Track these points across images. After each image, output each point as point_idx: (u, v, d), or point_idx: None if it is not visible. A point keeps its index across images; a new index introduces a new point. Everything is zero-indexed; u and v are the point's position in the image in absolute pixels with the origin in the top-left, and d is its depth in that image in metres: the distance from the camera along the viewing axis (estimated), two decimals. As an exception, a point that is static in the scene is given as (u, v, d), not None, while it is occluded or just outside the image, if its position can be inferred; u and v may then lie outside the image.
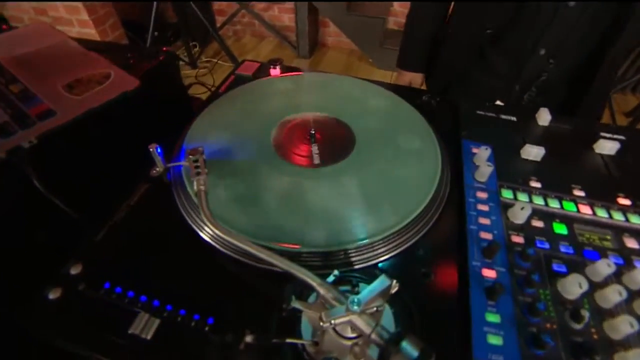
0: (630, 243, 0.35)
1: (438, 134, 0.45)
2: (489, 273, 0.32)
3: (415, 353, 0.22)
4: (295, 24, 2.51)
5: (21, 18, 2.19)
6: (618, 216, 0.38)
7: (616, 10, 0.55)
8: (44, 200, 0.34)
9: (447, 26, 0.73)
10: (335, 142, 0.42)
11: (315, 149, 0.41)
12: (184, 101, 0.59)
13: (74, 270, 0.31)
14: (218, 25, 2.72)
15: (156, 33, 2.55)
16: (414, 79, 0.80)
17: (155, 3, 2.18)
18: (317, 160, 0.40)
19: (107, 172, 0.39)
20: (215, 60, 2.49)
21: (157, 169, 0.40)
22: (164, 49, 0.52)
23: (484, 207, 0.37)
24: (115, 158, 0.41)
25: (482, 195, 0.38)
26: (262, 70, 0.56)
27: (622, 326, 0.28)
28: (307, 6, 2.39)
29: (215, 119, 0.45)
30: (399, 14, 2.56)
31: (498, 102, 0.69)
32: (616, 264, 0.33)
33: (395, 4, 2.51)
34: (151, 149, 0.38)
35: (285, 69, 0.55)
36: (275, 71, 0.54)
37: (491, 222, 0.36)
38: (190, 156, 0.35)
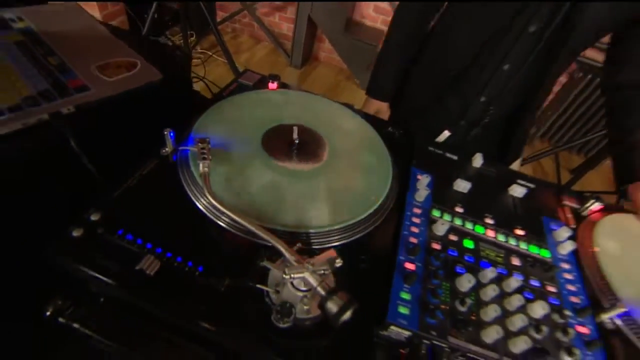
0: (515, 261, 0.48)
1: (393, 158, 0.56)
2: (409, 266, 0.43)
3: (342, 302, 0.32)
4: (293, 34, 2.63)
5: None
6: (512, 242, 0.51)
7: (538, 75, 0.70)
8: (73, 160, 0.42)
9: (415, 63, 0.86)
10: (312, 149, 0.53)
11: (295, 152, 0.52)
12: (189, 94, 0.68)
13: (94, 217, 0.40)
14: (218, 19, 2.78)
15: (156, 15, 2.58)
16: (381, 107, 0.92)
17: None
18: (296, 162, 0.51)
19: (124, 147, 0.47)
20: (210, 54, 2.55)
21: (167, 149, 0.49)
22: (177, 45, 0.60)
23: (416, 220, 0.49)
24: (131, 136, 0.49)
25: (417, 211, 0.50)
26: (262, 82, 0.66)
27: (490, 312, 0.40)
28: (307, 19, 2.52)
29: (219, 117, 0.55)
30: (389, 44, 2.73)
31: (446, 132, 0.83)
32: (500, 273, 0.45)
33: (388, 34, 2.69)
34: (165, 132, 0.47)
35: (281, 85, 0.66)
36: (272, 85, 0.64)
37: (419, 231, 0.47)
38: (200, 143, 0.45)
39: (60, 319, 0.41)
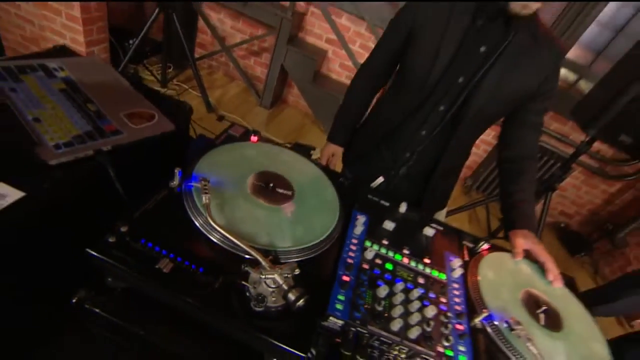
0: (420, 280, 0.68)
1: (341, 202, 0.77)
2: (345, 278, 0.62)
3: (298, 293, 0.50)
4: (266, 78, 2.88)
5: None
6: (420, 267, 0.72)
7: (447, 141, 0.97)
8: (110, 187, 0.57)
9: (366, 118, 1.13)
10: (282, 191, 0.72)
11: (270, 192, 0.70)
12: (187, 138, 0.85)
13: (123, 229, 0.55)
14: (197, 56, 2.97)
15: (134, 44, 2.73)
16: (337, 150, 1.17)
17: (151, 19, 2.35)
18: (270, 200, 0.69)
19: (143, 178, 0.63)
20: (186, 87, 2.72)
21: (175, 183, 0.65)
22: (187, 104, 0.78)
23: (353, 247, 0.68)
24: (148, 169, 0.65)
25: (355, 241, 0.70)
26: (246, 134, 0.85)
27: (397, 311, 0.59)
28: (280, 67, 2.79)
29: (215, 161, 0.72)
30: (351, 97, 3.07)
31: (380, 178, 1.06)
32: (408, 287, 0.65)
33: (351, 88, 3.04)
34: (176, 170, 0.64)
35: (263, 139, 0.85)
36: (254, 138, 0.83)
37: (354, 255, 0.67)
38: (202, 181, 0.62)
39: (86, 305, 0.54)
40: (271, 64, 2.80)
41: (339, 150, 1.19)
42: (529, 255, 0.85)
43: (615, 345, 0.76)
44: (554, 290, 0.80)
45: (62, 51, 0.82)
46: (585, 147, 2.24)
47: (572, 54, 2.80)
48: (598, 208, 3.39)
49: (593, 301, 1.80)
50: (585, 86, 2.91)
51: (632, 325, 2.48)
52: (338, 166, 1.22)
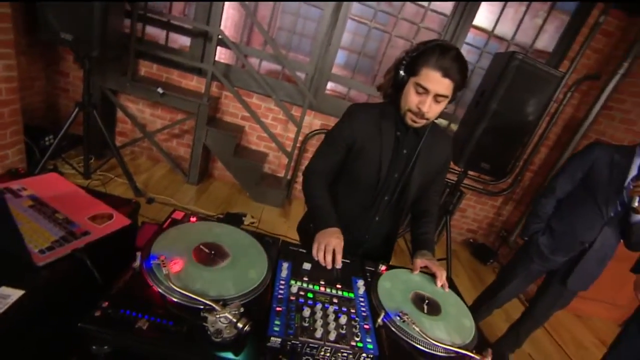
0: (334, 300, 0.94)
1: (268, 255, 1.01)
2: (278, 308, 0.85)
3: (244, 321, 0.73)
4: (190, 157, 3.09)
5: None
6: (334, 291, 0.97)
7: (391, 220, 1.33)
8: (88, 274, 0.75)
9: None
10: (220, 256, 0.95)
11: (212, 258, 0.93)
12: (136, 226, 1.04)
13: (105, 304, 0.73)
14: (119, 144, 3.08)
15: (51, 142, 2.78)
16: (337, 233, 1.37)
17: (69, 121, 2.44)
18: (213, 263, 0.91)
19: (112, 264, 0.82)
20: (111, 176, 2.79)
21: (136, 264, 0.84)
22: (134, 200, 0.99)
23: (282, 286, 0.93)
24: (115, 257, 0.84)
25: (282, 282, 0.94)
26: (186, 216, 1.07)
27: (318, 323, 0.84)
28: (202, 146, 3.03)
29: (166, 241, 0.93)
30: (272, 162, 3.42)
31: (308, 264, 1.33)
32: (325, 307, 0.91)
33: (271, 155, 3.39)
34: (137, 254, 0.84)
35: (195, 215, 1.08)
36: (193, 219, 1.06)
37: (283, 292, 0.91)
38: (160, 258, 0.83)
39: (79, 371, 0.69)
40: (194, 145, 3.04)
41: (340, 236, 1.15)
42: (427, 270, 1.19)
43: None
44: (439, 290, 1.13)
45: (16, 174, 0.98)
46: (462, 176, 2.81)
47: (441, 105, 3.53)
48: (492, 220, 4.07)
49: (495, 293, 2.22)
50: (454, 128, 3.67)
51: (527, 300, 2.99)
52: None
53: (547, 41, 3.35)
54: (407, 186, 1.26)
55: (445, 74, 1.01)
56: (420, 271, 1.19)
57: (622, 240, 1.82)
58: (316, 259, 1.09)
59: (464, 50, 3.23)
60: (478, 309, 2.31)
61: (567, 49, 3.22)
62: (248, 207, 3.08)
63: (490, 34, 3.28)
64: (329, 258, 1.08)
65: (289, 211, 3.30)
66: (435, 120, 1.22)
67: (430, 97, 1.04)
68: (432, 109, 1.07)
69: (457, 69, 1.01)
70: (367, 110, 1.23)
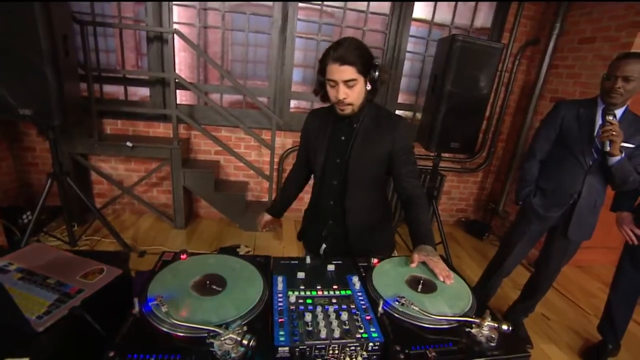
0: (334, 300, 0.98)
1: (263, 274, 1.05)
2: (280, 320, 0.88)
3: (249, 337, 0.76)
4: (173, 203, 3.10)
5: None
6: (332, 292, 1.01)
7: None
8: (90, 329, 0.77)
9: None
10: (218, 284, 0.97)
11: (209, 288, 0.95)
12: (129, 276, 1.06)
13: (111, 354, 0.75)
14: (99, 206, 3.07)
15: (30, 218, 2.75)
16: (269, 218, 1.68)
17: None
18: (211, 293, 0.94)
19: (111, 317, 0.84)
20: (98, 238, 2.77)
21: (136, 310, 0.87)
22: (122, 250, 1.01)
23: (280, 298, 0.96)
24: (113, 306, 0.85)
25: (280, 295, 0.98)
26: (177, 254, 1.10)
27: (321, 324, 0.87)
28: (183, 188, 3.05)
29: (160, 282, 0.96)
30: (253, 189, 3.45)
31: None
32: (325, 309, 0.94)
33: (252, 182, 3.42)
34: (135, 300, 0.86)
35: (189, 254, 1.11)
36: (183, 256, 1.09)
37: (282, 303, 0.94)
38: (158, 299, 0.86)
39: None
40: (174, 189, 3.05)
41: (271, 218, 1.67)
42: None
43: None
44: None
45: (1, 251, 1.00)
46: (437, 159, 2.91)
47: (402, 98, 3.67)
48: (478, 195, 4.18)
49: (501, 262, 2.28)
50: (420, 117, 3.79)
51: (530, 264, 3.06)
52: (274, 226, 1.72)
53: (484, 19, 3.55)
54: (348, 165, 1.36)
55: (342, 62, 1.15)
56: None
57: (609, 185, 1.93)
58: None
59: (411, 43, 3.39)
60: (487, 282, 2.36)
61: (504, 22, 3.42)
62: (240, 238, 3.09)
63: (431, 23, 3.45)
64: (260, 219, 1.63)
65: (281, 232, 3.32)
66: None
67: (341, 85, 1.19)
68: (349, 95, 1.21)
69: (353, 54, 1.15)
70: (316, 112, 1.48)
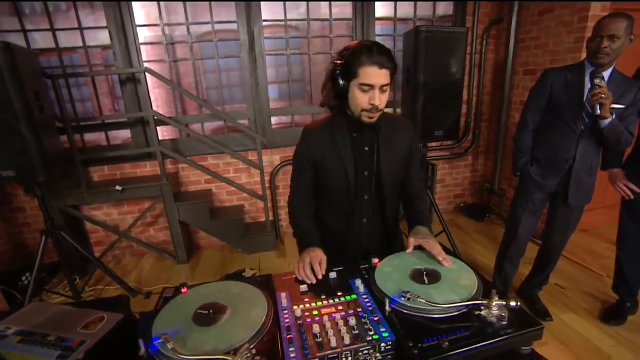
0: (340, 307, 0.97)
1: (265, 293, 1.04)
2: (289, 336, 0.87)
3: (259, 357, 0.75)
4: (171, 238, 3.08)
5: None
6: (337, 300, 1.00)
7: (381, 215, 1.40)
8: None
9: None
10: (220, 312, 0.96)
11: (212, 316, 0.94)
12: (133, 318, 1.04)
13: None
14: (97, 255, 3.04)
15: (29, 279, 2.71)
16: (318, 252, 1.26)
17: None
18: (215, 321, 0.93)
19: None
20: (102, 287, 2.73)
21: (142, 352, 0.85)
22: (122, 295, 1.00)
23: (286, 315, 0.95)
24: (117, 353, 0.84)
25: (285, 311, 0.97)
26: (177, 289, 1.09)
27: (330, 335, 0.86)
28: (179, 222, 3.03)
29: (163, 320, 0.94)
30: (250, 211, 3.44)
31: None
32: (332, 317, 0.93)
33: (247, 205, 3.41)
34: (140, 341, 0.85)
35: (189, 287, 1.10)
36: (184, 290, 1.07)
37: (289, 319, 0.93)
38: (163, 336, 0.84)
39: None
40: (170, 225, 3.03)
41: (319, 251, 1.23)
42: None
43: None
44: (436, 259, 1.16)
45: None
46: (425, 150, 2.93)
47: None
48: (472, 178, 4.20)
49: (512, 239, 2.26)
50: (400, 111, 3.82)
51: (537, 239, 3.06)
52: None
53: (445, 7, 3.62)
54: (381, 179, 1.31)
55: (381, 66, 1.11)
56: (415, 248, 1.24)
57: (602, 148, 1.96)
58: (300, 278, 1.14)
59: (379, 41, 3.43)
60: (503, 264, 2.34)
61: (465, 7, 3.49)
62: (244, 262, 3.07)
63: (394, 20, 3.51)
64: (308, 272, 1.13)
65: (285, 250, 3.30)
66: (385, 110, 1.31)
67: (377, 90, 1.13)
68: (383, 100, 1.17)
69: (387, 58, 1.11)
70: (318, 127, 1.32)
